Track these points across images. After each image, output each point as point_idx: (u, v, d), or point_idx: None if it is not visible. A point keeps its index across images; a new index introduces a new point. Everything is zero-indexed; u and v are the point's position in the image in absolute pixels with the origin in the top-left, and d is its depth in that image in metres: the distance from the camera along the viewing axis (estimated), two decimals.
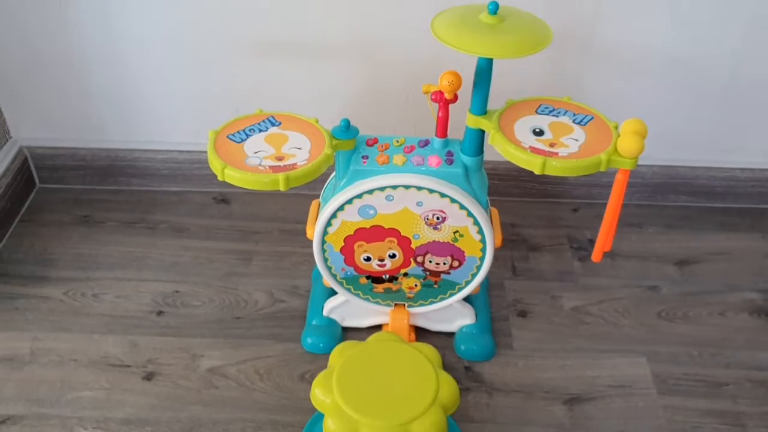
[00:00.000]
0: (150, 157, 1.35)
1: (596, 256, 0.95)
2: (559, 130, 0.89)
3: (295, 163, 0.88)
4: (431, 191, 0.94)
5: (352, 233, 0.99)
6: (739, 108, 1.27)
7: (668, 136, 1.30)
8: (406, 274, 1.04)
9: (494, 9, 0.82)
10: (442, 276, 1.04)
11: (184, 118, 1.31)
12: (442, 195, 0.94)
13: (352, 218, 0.97)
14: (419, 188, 0.93)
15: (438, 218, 0.97)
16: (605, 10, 1.16)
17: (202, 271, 1.22)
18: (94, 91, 1.28)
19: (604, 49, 1.20)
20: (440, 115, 0.93)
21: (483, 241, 0.99)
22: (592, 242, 1.29)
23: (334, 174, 1.01)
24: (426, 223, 0.97)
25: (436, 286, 1.06)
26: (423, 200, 0.95)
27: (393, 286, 1.06)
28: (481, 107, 0.90)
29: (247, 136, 0.93)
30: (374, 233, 0.99)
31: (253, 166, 0.88)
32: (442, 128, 0.94)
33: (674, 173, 1.35)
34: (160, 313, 1.14)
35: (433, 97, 0.92)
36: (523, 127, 0.89)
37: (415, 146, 0.96)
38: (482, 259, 1.01)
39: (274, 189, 0.87)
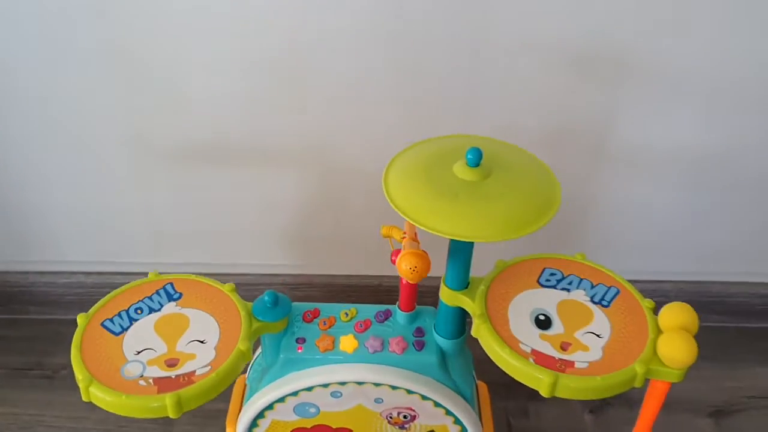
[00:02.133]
0: (50, 281, 1.08)
1: None
2: (573, 316, 0.62)
3: (194, 371, 0.61)
4: (394, 387, 0.67)
5: None
6: None
7: (698, 248, 1.05)
8: None
9: (475, 161, 0.56)
10: None
11: (90, 234, 1.04)
12: (410, 392, 0.67)
13: (286, 418, 0.71)
14: (377, 384, 0.67)
15: (405, 417, 0.70)
16: (618, 109, 0.90)
17: None
18: None
19: (619, 154, 0.94)
20: (404, 284, 0.67)
21: None
22: None
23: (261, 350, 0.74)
24: (389, 421, 0.71)
25: None
26: (383, 397, 0.68)
27: None
28: (459, 281, 0.64)
29: (131, 321, 0.66)
30: None
31: (131, 378, 0.61)
32: (407, 302, 0.68)
33: (705, 290, 1.08)
34: None
35: (393, 259, 0.65)
36: (520, 311, 0.62)
37: (371, 321, 0.70)
38: None
39: (160, 416, 0.60)
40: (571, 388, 0.56)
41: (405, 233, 0.62)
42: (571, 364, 0.58)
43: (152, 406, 0.59)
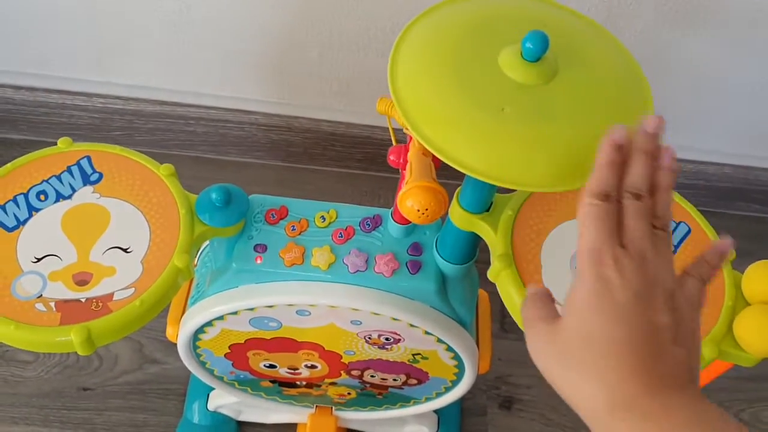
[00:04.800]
0: None
1: None
2: None
3: (111, 295, 0.46)
4: (376, 313, 0.53)
5: (241, 342, 0.59)
6: None
7: (753, 128, 0.87)
8: (334, 383, 0.66)
9: (536, 52, 0.36)
10: (390, 390, 0.66)
11: (16, 37, 0.83)
12: (396, 318, 0.53)
13: (239, 328, 0.57)
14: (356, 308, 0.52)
15: (387, 339, 0.57)
16: None
17: None
18: None
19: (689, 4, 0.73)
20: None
21: (460, 366, 0.60)
22: None
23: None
24: (366, 341, 0.57)
25: (379, 396, 0.68)
26: (362, 320, 0.54)
27: (313, 391, 0.68)
28: (479, 202, 0.46)
29: (31, 212, 0.48)
30: (279, 344, 0.59)
31: (26, 299, 0.45)
32: None
33: (753, 177, 0.92)
34: None
35: (391, 159, 0.48)
36: (558, 253, 0.46)
37: (354, 229, 0.53)
38: (456, 383, 0.63)
39: (66, 351, 0.45)
40: None
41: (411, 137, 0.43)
42: None
43: (53, 341, 0.44)
